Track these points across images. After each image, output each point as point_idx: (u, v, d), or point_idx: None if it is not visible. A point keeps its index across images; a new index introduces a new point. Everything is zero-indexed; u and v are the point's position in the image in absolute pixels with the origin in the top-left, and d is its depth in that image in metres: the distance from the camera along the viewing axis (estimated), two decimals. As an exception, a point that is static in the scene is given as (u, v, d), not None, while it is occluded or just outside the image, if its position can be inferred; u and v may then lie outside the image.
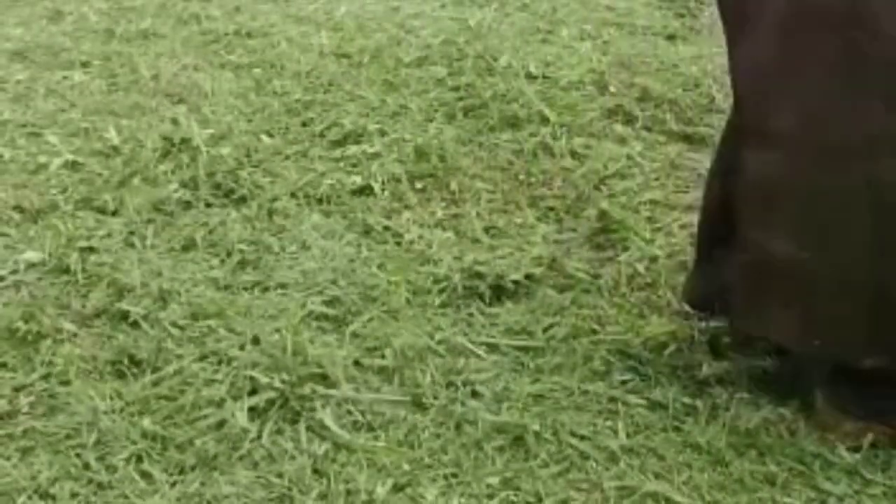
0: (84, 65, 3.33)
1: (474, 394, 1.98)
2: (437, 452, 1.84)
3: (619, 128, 2.92)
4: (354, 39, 3.45)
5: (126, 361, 2.04)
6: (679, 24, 3.64)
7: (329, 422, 1.89)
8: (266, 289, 2.27)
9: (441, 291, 2.25)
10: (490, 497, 1.76)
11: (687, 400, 1.96)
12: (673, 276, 2.28)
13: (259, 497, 1.76)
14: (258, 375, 1.97)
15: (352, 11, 3.70)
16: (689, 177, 2.71)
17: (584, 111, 2.98)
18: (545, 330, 2.14)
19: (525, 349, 2.10)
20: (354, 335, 2.12)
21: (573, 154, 2.79)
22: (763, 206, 1.84)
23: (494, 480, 1.78)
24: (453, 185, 2.64)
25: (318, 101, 3.05)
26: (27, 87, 3.19)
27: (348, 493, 1.76)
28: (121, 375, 2.02)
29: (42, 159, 2.75)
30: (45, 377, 2.01)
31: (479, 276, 2.27)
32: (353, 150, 2.79)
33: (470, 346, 2.10)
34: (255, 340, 2.08)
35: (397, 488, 1.77)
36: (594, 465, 1.82)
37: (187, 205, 2.56)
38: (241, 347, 2.06)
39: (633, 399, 1.96)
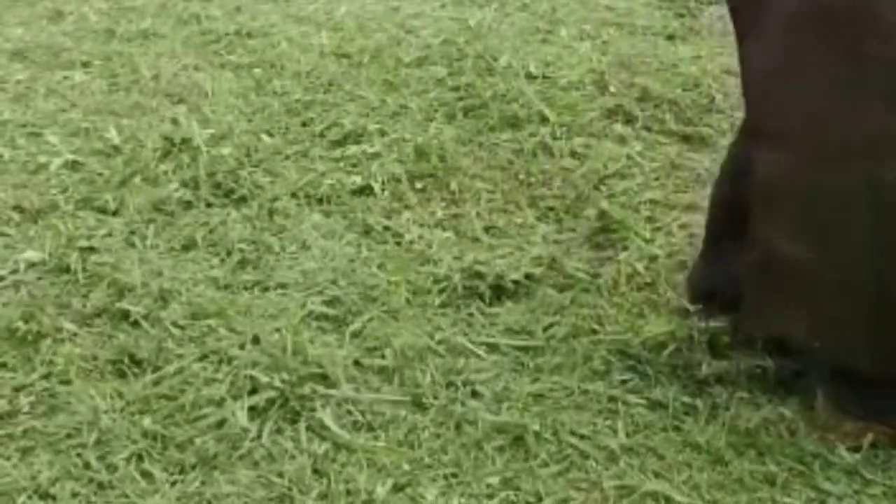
0: (84, 65, 3.33)
1: (474, 394, 1.98)
2: (437, 452, 1.84)
3: (619, 128, 2.92)
4: (354, 39, 3.45)
5: (126, 361, 2.04)
6: (679, 24, 3.64)
7: (329, 422, 1.89)
8: (266, 288, 2.27)
9: (441, 291, 2.25)
10: (490, 497, 1.76)
11: (687, 399, 1.96)
12: (672, 275, 2.28)
13: (259, 497, 1.76)
14: (258, 375, 1.97)
15: (352, 11, 3.70)
16: (689, 177, 2.71)
17: (584, 111, 2.98)
18: (545, 330, 2.14)
19: (525, 349, 2.10)
20: (354, 335, 2.12)
21: (573, 154, 2.79)
22: (769, 206, 1.85)
23: (494, 480, 1.78)
24: (453, 185, 2.64)
25: (318, 101, 3.05)
26: (27, 87, 3.19)
27: (348, 492, 1.76)
28: (121, 375, 2.02)
29: (42, 159, 2.75)
30: (46, 377, 2.01)
31: (479, 276, 2.27)
32: (353, 150, 2.79)
33: (470, 346, 2.10)
34: (256, 340, 2.08)
35: (397, 488, 1.77)
36: (594, 464, 1.82)
37: (188, 204, 2.56)
38: (242, 347, 2.07)
39: (632, 398, 1.96)
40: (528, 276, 2.28)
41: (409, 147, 2.78)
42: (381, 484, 1.77)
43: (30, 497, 1.75)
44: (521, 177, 2.69)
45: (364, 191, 2.63)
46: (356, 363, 2.04)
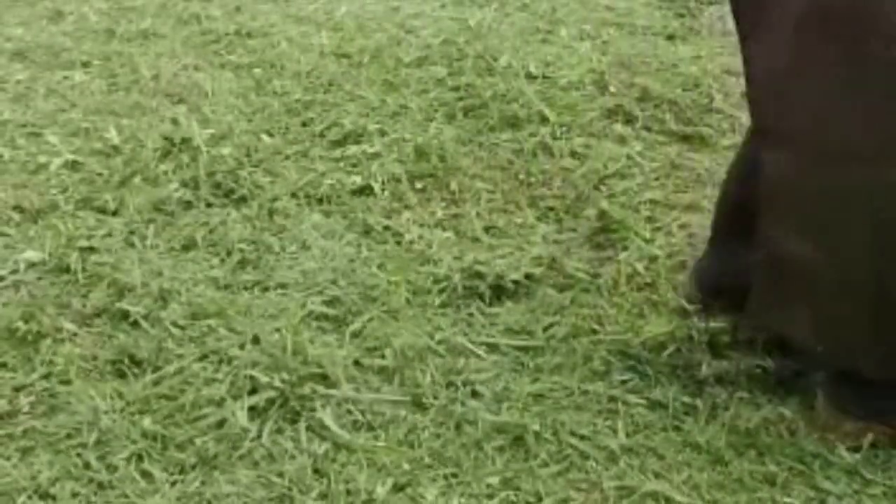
0: (84, 65, 3.33)
1: (474, 394, 1.98)
2: (437, 452, 1.84)
3: (618, 128, 2.92)
4: (354, 39, 3.45)
5: (126, 361, 2.04)
6: (679, 24, 3.64)
7: (329, 422, 1.89)
8: (266, 288, 2.28)
9: (441, 291, 2.25)
10: (490, 497, 1.76)
11: (686, 399, 1.96)
12: (672, 275, 2.28)
13: (259, 497, 1.76)
14: (258, 375, 1.97)
15: (352, 11, 3.70)
16: (689, 177, 2.71)
17: (584, 111, 2.98)
18: (545, 330, 2.14)
19: (525, 349, 2.10)
20: (354, 335, 2.12)
21: (573, 154, 2.79)
22: (776, 205, 1.85)
23: (494, 480, 1.79)
24: (453, 185, 2.64)
25: (318, 101, 3.05)
26: (27, 87, 3.19)
27: (348, 492, 1.76)
28: (121, 375, 2.02)
29: (42, 159, 2.75)
30: (46, 377, 2.01)
31: (479, 275, 2.27)
32: (353, 150, 2.79)
33: (470, 346, 2.10)
34: (256, 340, 2.08)
35: (397, 488, 1.77)
36: (594, 464, 1.82)
37: (188, 204, 2.56)
38: (242, 347, 2.07)
39: (632, 399, 1.96)
40: (528, 276, 2.28)
41: (409, 147, 2.78)
42: (381, 484, 1.77)
43: (30, 497, 1.75)
44: (521, 177, 2.69)
45: (364, 191, 2.63)
46: (356, 363, 2.04)
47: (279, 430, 1.89)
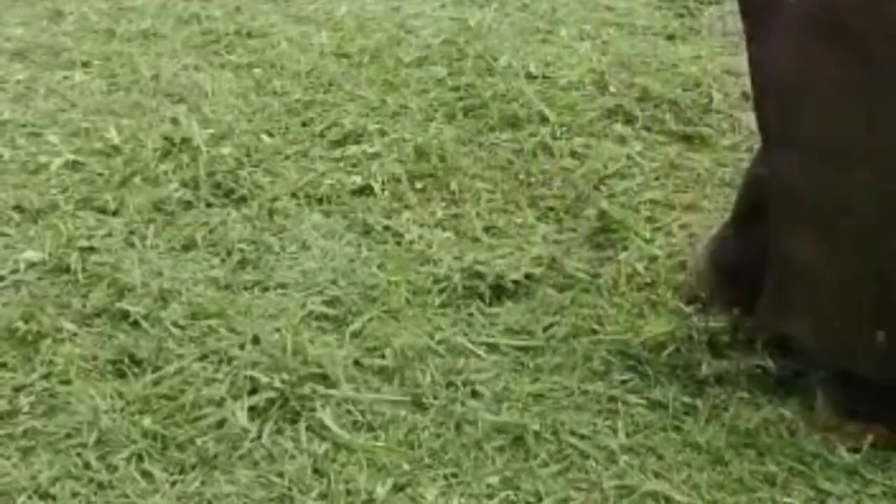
0: (84, 65, 3.32)
1: (474, 394, 1.98)
2: (437, 452, 1.84)
3: (618, 128, 2.92)
4: (354, 39, 3.45)
5: (126, 361, 2.04)
6: (679, 24, 3.64)
7: (329, 422, 1.89)
8: (266, 288, 2.28)
9: (441, 291, 2.25)
10: (490, 497, 1.76)
11: (686, 399, 1.96)
12: (672, 275, 2.28)
13: (259, 497, 1.76)
14: (258, 375, 1.97)
15: (352, 11, 3.70)
16: (689, 177, 2.71)
17: (584, 111, 2.98)
18: (545, 330, 2.14)
19: (525, 349, 2.10)
20: (354, 335, 2.12)
21: (573, 154, 2.79)
22: (782, 207, 1.85)
23: (494, 480, 1.79)
24: (453, 185, 2.64)
25: (318, 101, 3.05)
26: (27, 87, 3.19)
27: (348, 492, 1.76)
28: (121, 375, 2.02)
29: (42, 159, 2.75)
30: (46, 377, 2.01)
31: (479, 276, 2.27)
32: (353, 150, 2.79)
33: (470, 346, 2.10)
34: (256, 340, 2.08)
35: (397, 488, 1.77)
36: (594, 464, 1.82)
37: (188, 204, 2.56)
38: (242, 347, 2.07)
39: (632, 398, 1.96)
40: (528, 276, 2.28)
41: (409, 147, 2.78)
42: (381, 484, 1.77)
43: (30, 497, 1.75)
44: (521, 177, 2.69)
45: (364, 191, 2.63)
46: (356, 363, 2.04)
47: (279, 431, 1.89)
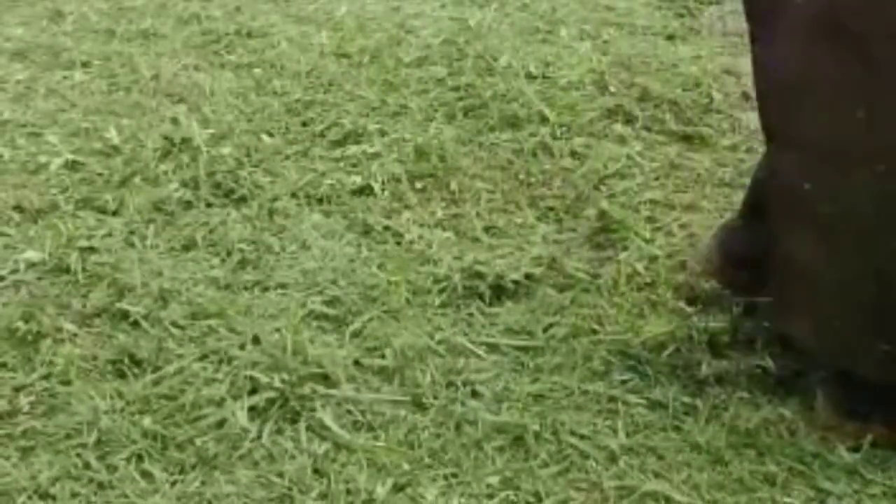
0: (84, 65, 3.32)
1: (474, 394, 1.98)
2: (437, 452, 1.84)
3: (618, 128, 2.92)
4: (354, 39, 3.45)
5: (126, 361, 2.04)
6: (679, 24, 3.64)
7: (329, 422, 1.90)
8: (266, 288, 2.28)
9: (441, 291, 2.25)
10: (490, 497, 1.76)
11: (686, 399, 1.96)
12: (672, 275, 2.28)
13: (259, 497, 1.76)
14: (258, 375, 1.97)
15: (352, 11, 3.70)
16: (689, 177, 2.71)
17: (584, 111, 2.98)
18: (545, 330, 2.14)
19: (525, 349, 2.10)
20: (354, 335, 2.12)
21: (573, 154, 2.79)
22: (783, 207, 1.85)
23: (494, 480, 1.79)
24: (453, 185, 2.64)
25: (318, 101, 3.05)
26: (27, 87, 3.18)
27: (348, 492, 1.76)
28: (121, 375, 2.02)
29: (42, 159, 2.75)
30: (46, 377, 2.01)
31: (479, 275, 2.27)
32: (353, 150, 2.79)
33: (470, 346, 2.10)
34: (256, 340, 2.08)
35: (397, 488, 1.77)
36: (594, 464, 1.82)
37: (188, 204, 2.56)
38: (242, 347, 2.07)
39: (632, 399, 1.97)
40: (528, 276, 2.28)
41: (409, 147, 2.78)
42: (381, 484, 1.77)
43: (30, 497, 1.75)
44: (521, 177, 2.69)
45: (364, 191, 2.63)
46: (356, 363, 2.04)
47: (279, 431, 1.89)
